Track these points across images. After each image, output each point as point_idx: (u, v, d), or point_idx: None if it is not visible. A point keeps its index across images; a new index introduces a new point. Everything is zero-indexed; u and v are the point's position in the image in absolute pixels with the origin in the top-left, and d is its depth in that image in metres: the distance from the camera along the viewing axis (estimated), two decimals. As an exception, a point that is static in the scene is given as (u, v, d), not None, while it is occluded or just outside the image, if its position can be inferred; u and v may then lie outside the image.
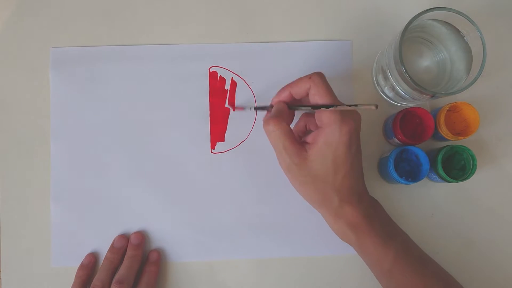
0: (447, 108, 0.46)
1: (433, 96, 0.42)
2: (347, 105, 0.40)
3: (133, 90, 0.50)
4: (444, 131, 0.46)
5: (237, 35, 0.51)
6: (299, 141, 0.42)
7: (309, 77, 0.41)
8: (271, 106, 0.44)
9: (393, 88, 0.46)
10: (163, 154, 0.50)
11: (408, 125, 0.48)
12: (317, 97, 0.41)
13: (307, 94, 0.42)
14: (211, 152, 0.50)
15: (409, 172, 0.47)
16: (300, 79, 0.42)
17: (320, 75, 0.41)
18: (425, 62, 0.46)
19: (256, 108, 0.47)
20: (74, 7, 0.51)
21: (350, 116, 0.40)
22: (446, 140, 0.47)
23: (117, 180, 0.50)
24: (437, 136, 0.48)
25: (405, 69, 0.40)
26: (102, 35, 0.51)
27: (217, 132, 0.50)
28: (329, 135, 0.40)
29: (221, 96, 0.51)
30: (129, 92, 0.50)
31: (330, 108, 0.40)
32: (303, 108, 0.42)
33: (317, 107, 0.40)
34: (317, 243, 0.50)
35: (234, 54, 0.51)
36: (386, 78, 0.46)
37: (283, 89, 0.43)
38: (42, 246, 0.49)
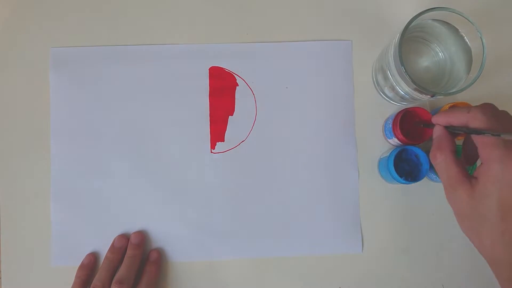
0: (447, 108, 0.46)
1: (433, 96, 0.42)
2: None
3: (133, 90, 0.50)
4: (444, 131, 0.46)
5: (237, 35, 0.51)
6: (465, 175, 0.37)
7: (467, 111, 0.36)
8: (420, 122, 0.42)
9: (393, 88, 0.46)
10: (163, 154, 0.50)
11: (408, 125, 0.48)
12: (476, 126, 0.36)
13: (464, 123, 0.37)
14: (211, 152, 0.50)
15: (409, 172, 0.47)
16: (458, 111, 0.38)
17: (481, 108, 0.36)
18: (425, 62, 0.46)
19: (425, 125, 0.45)
20: (74, 8, 0.51)
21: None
22: (446, 140, 0.47)
23: (117, 180, 0.50)
24: (431, 126, 0.48)
25: (405, 69, 0.40)
26: (102, 35, 0.51)
27: (217, 132, 0.50)
28: (491, 172, 0.34)
29: (221, 96, 0.51)
30: (129, 92, 0.50)
31: (491, 137, 0.34)
32: (462, 131, 0.37)
33: (474, 131, 0.36)
34: (317, 243, 0.50)
35: (234, 54, 0.51)
36: (386, 78, 0.46)
37: (441, 115, 0.39)
38: (42, 246, 0.49)
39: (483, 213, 0.35)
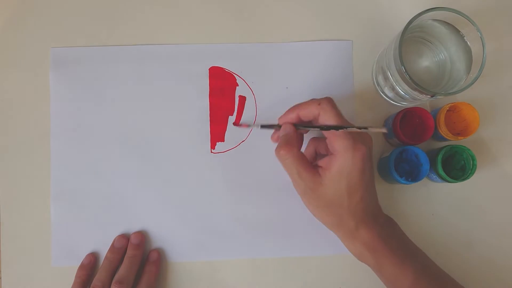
0: (447, 108, 0.46)
1: (433, 96, 0.42)
2: (357, 127, 0.40)
3: (133, 90, 0.50)
4: (444, 131, 0.46)
5: (237, 35, 0.51)
6: (312, 166, 0.41)
7: (318, 103, 0.41)
8: (279, 125, 0.44)
9: (393, 88, 0.46)
10: (163, 154, 0.50)
11: (408, 125, 0.48)
12: (326, 122, 0.41)
13: (315, 119, 0.42)
14: (211, 152, 0.50)
15: (409, 172, 0.47)
16: (308, 103, 0.42)
17: (329, 101, 0.41)
18: (425, 62, 0.46)
19: (263, 126, 0.46)
20: (74, 7, 0.51)
21: (362, 141, 0.40)
22: (446, 140, 0.47)
23: (117, 180, 0.50)
24: (437, 136, 0.48)
25: (405, 69, 0.40)
26: (102, 35, 0.51)
27: (217, 132, 0.50)
28: (342, 162, 0.39)
29: (221, 96, 0.51)
30: (129, 92, 0.50)
31: (340, 130, 0.40)
32: (312, 128, 0.42)
33: (326, 127, 0.40)
34: (317, 243, 0.50)
35: (234, 54, 0.51)
36: (386, 78, 0.46)
37: (290, 110, 0.43)
38: (42, 246, 0.49)
39: (331, 197, 0.40)
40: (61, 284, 0.48)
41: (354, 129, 0.40)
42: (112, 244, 0.49)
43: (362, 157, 0.40)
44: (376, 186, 0.46)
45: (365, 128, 0.40)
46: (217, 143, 0.50)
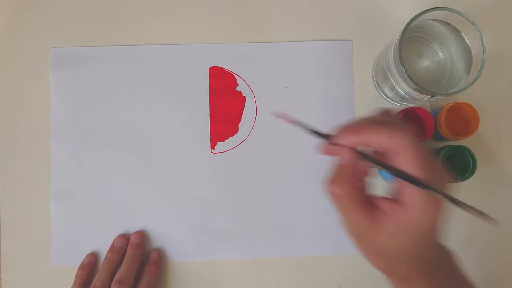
0: (447, 108, 0.46)
1: (433, 96, 0.42)
2: (451, 198, 0.30)
3: (133, 90, 0.50)
4: (444, 131, 0.46)
5: (237, 35, 0.51)
6: (368, 208, 0.32)
7: (396, 135, 0.30)
8: (330, 137, 0.33)
9: (393, 88, 0.46)
10: (163, 154, 0.50)
11: (408, 125, 0.48)
12: (402, 165, 0.30)
13: (385, 149, 0.31)
14: (211, 152, 0.50)
15: (409, 172, 0.47)
16: (379, 130, 0.31)
17: (410, 138, 0.30)
18: (425, 62, 0.46)
19: (312, 132, 0.34)
20: (74, 7, 0.51)
21: (438, 196, 0.30)
22: (446, 140, 0.47)
23: (117, 180, 0.50)
24: (437, 136, 0.48)
25: (405, 69, 0.40)
26: (102, 35, 0.51)
27: (217, 132, 0.50)
28: (412, 218, 0.31)
29: (221, 96, 0.51)
30: (129, 92, 0.50)
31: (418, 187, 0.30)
32: (383, 168, 0.31)
33: (404, 177, 0.30)
34: (317, 243, 0.50)
35: (234, 54, 0.51)
36: (386, 78, 0.46)
37: (355, 130, 0.32)
38: (42, 246, 0.49)
39: (387, 249, 0.32)
40: (61, 284, 0.48)
41: (440, 197, 0.30)
42: (112, 244, 0.49)
43: (438, 213, 0.31)
44: (376, 186, 0.46)
45: (466, 207, 0.31)
46: (217, 143, 0.50)
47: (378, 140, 0.31)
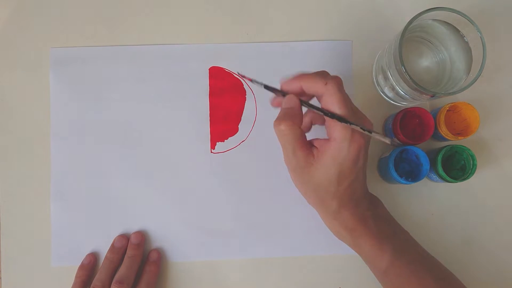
0: (447, 108, 0.46)
1: (433, 96, 0.42)
2: (361, 128, 0.39)
3: (133, 90, 0.50)
4: (444, 131, 0.46)
5: (237, 35, 0.51)
6: (308, 145, 0.40)
7: (324, 82, 0.39)
8: (283, 93, 0.41)
9: (393, 88, 0.46)
10: (163, 154, 0.50)
11: (408, 125, 0.48)
12: (330, 106, 0.39)
13: (318, 96, 0.40)
14: (211, 152, 0.50)
15: (409, 172, 0.47)
16: (315, 79, 0.39)
17: (337, 84, 0.39)
18: (425, 62, 0.46)
19: (266, 87, 0.42)
20: (74, 7, 0.51)
21: (360, 133, 0.39)
22: (446, 140, 0.47)
23: (117, 180, 0.50)
24: (437, 136, 0.48)
25: (405, 69, 0.40)
26: (102, 35, 0.51)
27: (217, 132, 0.50)
28: (336, 151, 0.39)
29: (221, 96, 0.51)
30: (129, 92, 0.50)
31: (346, 125, 0.38)
32: (316, 110, 0.40)
33: (331, 115, 0.39)
34: (317, 243, 0.50)
35: (234, 54, 0.51)
36: (386, 78, 0.46)
37: (296, 78, 0.41)
38: (42, 246, 0.49)
39: (320, 181, 0.40)
40: (61, 284, 0.48)
41: (358, 128, 0.38)
42: (112, 244, 0.49)
43: (359, 149, 0.39)
44: (377, 186, 0.46)
45: (369, 131, 0.39)
46: (217, 143, 0.50)
47: (311, 85, 0.40)
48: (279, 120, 0.40)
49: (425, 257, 0.43)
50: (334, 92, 0.39)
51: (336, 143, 0.39)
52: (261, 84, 0.42)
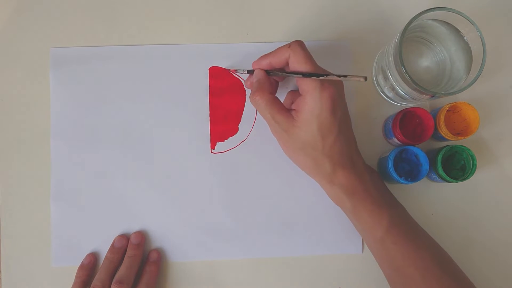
0: (447, 108, 0.46)
1: (433, 96, 0.42)
2: (336, 75, 0.40)
3: (133, 90, 0.50)
4: (444, 131, 0.46)
5: (237, 35, 0.51)
6: (286, 110, 0.42)
7: (288, 46, 0.41)
8: (252, 70, 0.45)
9: (393, 88, 0.46)
10: (163, 154, 0.50)
11: (408, 125, 0.48)
12: (296, 65, 0.41)
13: (287, 63, 0.42)
14: (211, 152, 0.50)
15: (409, 172, 0.47)
16: (279, 48, 0.42)
17: (299, 43, 0.41)
18: (425, 62, 0.46)
19: (248, 71, 0.47)
20: (73, 7, 0.51)
21: (330, 82, 0.40)
22: (446, 140, 0.47)
23: (117, 180, 0.50)
24: (437, 136, 0.48)
25: (405, 69, 0.40)
26: (102, 35, 0.51)
27: (217, 132, 0.50)
28: (310, 102, 0.40)
29: (221, 96, 0.51)
30: (129, 92, 0.50)
31: (314, 77, 0.40)
32: (282, 74, 0.42)
33: (298, 74, 0.41)
34: (317, 243, 0.50)
35: (234, 54, 0.51)
36: (386, 78, 0.46)
37: (263, 57, 0.44)
38: (42, 246, 0.49)
39: (305, 139, 0.41)
40: (61, 284, 0.48)
41: (333, 77, 0.40)
42: (112, 244, 0.49)
43: (331, 97, 0.40)
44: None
45: (344, 76, 0.40)
46: (217, 143, 0.50)
47: (277, 55, 0.42)
48: (252, 93, 0.43)
49: (419, 230, 0.44)
50: (297, 51, 0.41)
51: (308, 95, 0.40)
52: (244, 71, 0.47)
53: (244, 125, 0.51)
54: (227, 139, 0.50)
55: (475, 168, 0.46)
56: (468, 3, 0.51)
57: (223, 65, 0.51)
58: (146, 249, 0.49)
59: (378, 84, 0.50)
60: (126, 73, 0.51)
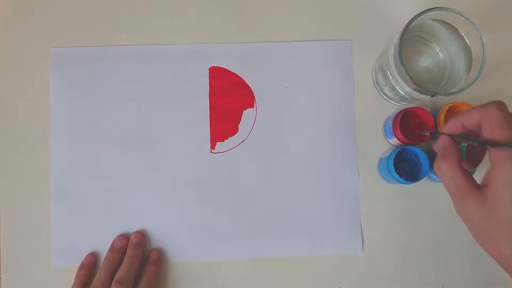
0: (447, 108, 0.46)
1: (433, 96, 0.42)
2: None
3: (133, 90, 0.50)
4: (444, 131, 0.46)
5: (237, 35, 0.51)
6: (474, 183, 0.34)
7: (483, 106, 0.33)
8: (437, 134, 0.39)
9: (393, 88, 0.46)
10: (163, 154, 0.50)
11: (408, 125, 0.48)
12: (489, 129, 0.33)
13: (479, 126, 0.34)
14: (211, 152, 0.50)
15: (409, 172, 0.47)
16: (473, 108, 0.35)
17: (497, 105, 0.33)
18: (425, 62, 0.46)
19: (431, 134, 0.43)
20: (74, 7, 0.51)
21: None
22: (446, 140, 0.47)
23: (117, 180, 0.50)
24: (437, 136, 0.48)
25: (405, 69, 0.40)
26: (102, 35, 0.51)
27: (217, 132, 0.50)
28: (501, 175, 0.31)
29: (221, 96, 0.51)
30: (129, 92, 0.50)
31: (500, 148, 0.31)
32: (470, 142, 0.34)
33: (484, 143, 0.33)
34: (317, 243, 0.49)
35: (234, 54, 0.51)
36: (386, 78, 0.46)
37: (454, 118, 0.36)
38: (42, 246, 0.49)
39: (497, 220, 0.32)
40: (61, 284, 0.48)
41: None
42: (112, 244, 0.49)
43: None
44: (376, 186, 0.46)
45: None
46: (217, 143, 0.50)
47: (470, 115, 0.34)
48: (436, 162, 0.36)
49: None
50: (493, 113, 0.33)
51: (497, 166, 0.32)
52: (437, 135, 0.38)
53: (244, 125, 0.51)
54: (227, 139, 0.50)
55: (475, 168, 0.46)
56: (468, 3, 0.51)
57: (223, 65, 0.51)
58: (146, 249, 0.49)
59: (378, 84, 0.50)
60: (126, 73, 0.51)
